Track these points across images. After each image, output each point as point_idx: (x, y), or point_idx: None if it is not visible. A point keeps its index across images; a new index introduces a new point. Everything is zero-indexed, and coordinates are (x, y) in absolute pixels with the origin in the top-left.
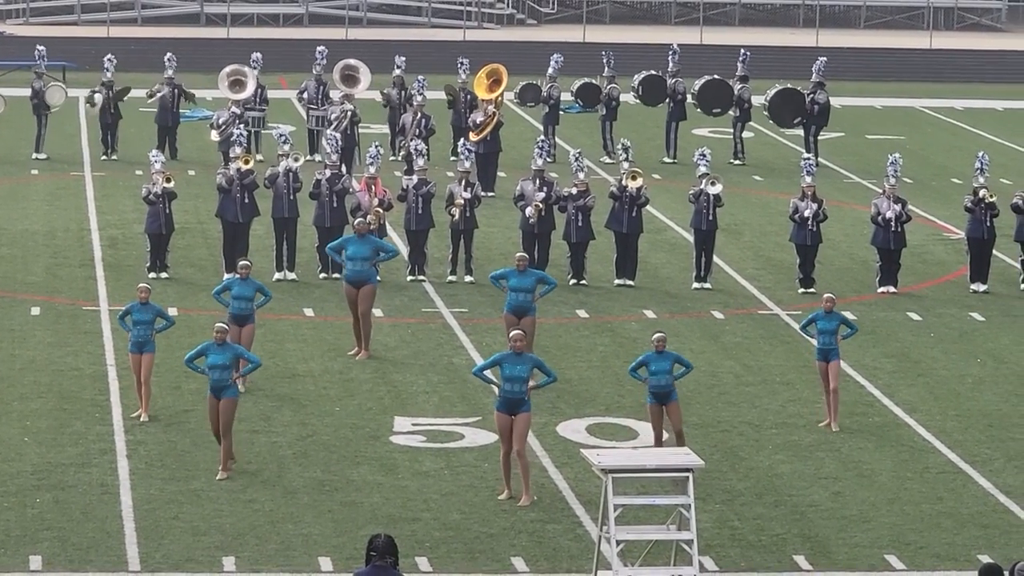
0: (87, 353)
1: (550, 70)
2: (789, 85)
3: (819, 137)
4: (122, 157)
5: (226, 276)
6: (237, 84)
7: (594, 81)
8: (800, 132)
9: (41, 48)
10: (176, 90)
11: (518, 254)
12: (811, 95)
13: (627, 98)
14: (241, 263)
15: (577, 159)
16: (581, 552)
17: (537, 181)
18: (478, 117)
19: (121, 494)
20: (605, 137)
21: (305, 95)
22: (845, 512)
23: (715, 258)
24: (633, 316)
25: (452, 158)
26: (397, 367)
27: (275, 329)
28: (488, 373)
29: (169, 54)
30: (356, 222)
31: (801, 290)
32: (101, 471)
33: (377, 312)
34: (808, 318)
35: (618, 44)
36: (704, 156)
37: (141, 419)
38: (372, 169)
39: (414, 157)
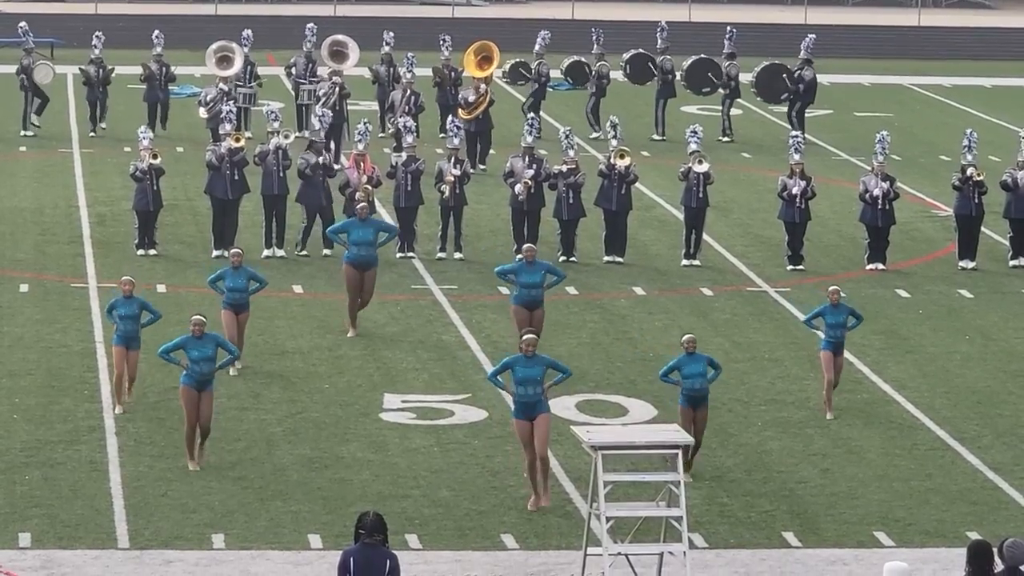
0: (75, 330)
1: (537, 47)
2: (776, 61)
3: (806, 114)
4: (110, 134)
5: (220, 266)
6: (225, 60)
7: (583, 59)
8: (785, 109)
9: (23, 25)
10: (163, 68)
11: (526, 245)
12: (798, 71)
13: (616, 75)
14: (233, 251)
15: (567, 136)
16: (571, 529)
17: (527, 158)
18: (469, 95)
19: (110, 471)
20: (589, 113)
21: (294, 71)
22: (834, 489)
23: (704, 235)
24: (622, 293)
25: (441, 135)
26: (387, 344)
27: (264, 306)
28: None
29: (156, 32)
30: (359, 206)
31: (790, 267)
32: (90, 448)
33: None
34: (814, 312)
35: (607, 21)
36: (695, 133)
37: (116, 411)
38: (361, 146)
39: (403, 134)
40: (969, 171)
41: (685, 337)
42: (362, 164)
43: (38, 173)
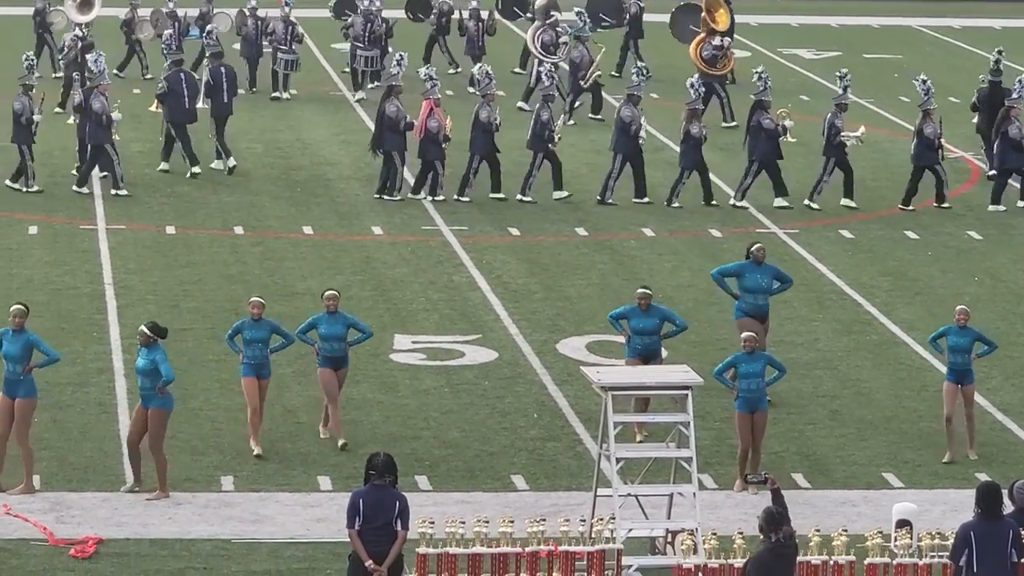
0: (84, 272)
1: None
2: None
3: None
4: (116, 79)
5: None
6: (85, 5)
7: None
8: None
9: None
10: (259, 23)
11: (639, 290)
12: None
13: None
14: (328, 293)
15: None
16: (581, 470)
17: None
18: (711, 51)
19: (119, 414)
20: (430, 50)
21: (350, 32)
22: (843, 430)
23: (713, 177)
24: (632, 234)
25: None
26: (397, 285)
27: (273, 247)
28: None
29: None
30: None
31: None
32: (99, 390)
33: (376, 229)
34: (937, 332)
35: None
36: (763, 80)
37: (255, 452)
38: (436, 92)
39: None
40: None
41: (744, 334)
42: (433, 111)
43: (46, 116)
